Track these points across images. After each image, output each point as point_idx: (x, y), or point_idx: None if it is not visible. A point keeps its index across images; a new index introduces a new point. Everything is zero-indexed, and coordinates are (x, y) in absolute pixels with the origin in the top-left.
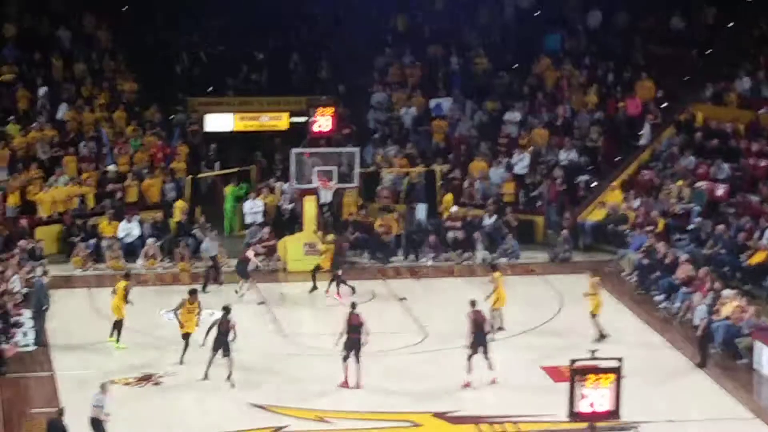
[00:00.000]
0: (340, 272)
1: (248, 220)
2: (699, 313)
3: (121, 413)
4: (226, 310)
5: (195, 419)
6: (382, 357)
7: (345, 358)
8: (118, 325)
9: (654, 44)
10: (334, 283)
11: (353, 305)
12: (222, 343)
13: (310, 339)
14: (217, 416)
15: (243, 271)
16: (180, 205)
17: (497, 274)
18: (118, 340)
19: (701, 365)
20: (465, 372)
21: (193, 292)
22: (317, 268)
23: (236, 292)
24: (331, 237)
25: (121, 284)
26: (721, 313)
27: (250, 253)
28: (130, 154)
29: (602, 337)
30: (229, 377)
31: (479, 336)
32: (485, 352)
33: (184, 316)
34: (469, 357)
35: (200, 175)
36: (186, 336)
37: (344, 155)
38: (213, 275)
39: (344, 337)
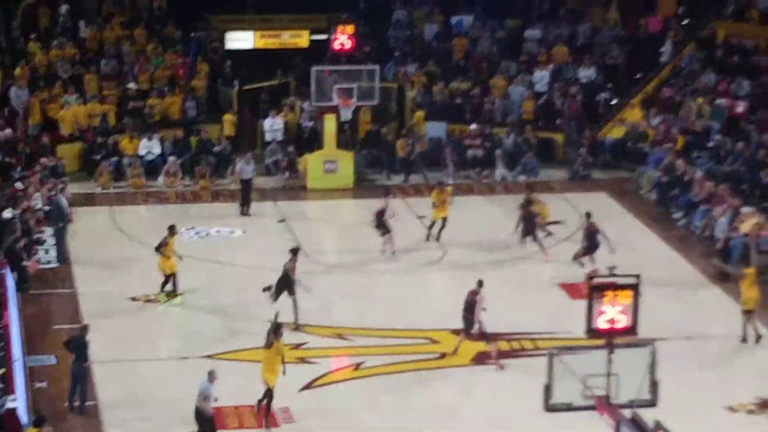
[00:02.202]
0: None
1: (268, 138)
2: (720, 227)
3: (141, 330)
4: (294, 251)
5: (215, 336)
6: (402, 274)
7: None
8: (173, 279)
9: None
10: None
11: (479, 282)
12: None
13: (330, 257)
14: (236, 333)
15: None
16: (228, 119)
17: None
18: (175, 294)
19: (723, 278)
20: None
21: (172, 228)
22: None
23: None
24: (449, 189)
25: (172, 240)
26: (739, 230)
27: None
28: (150, 72)
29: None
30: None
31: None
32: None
33: (168, 253)
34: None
35: (247, 87)
36: (173, 275)
37: (365, 73)
38: (244, 199)
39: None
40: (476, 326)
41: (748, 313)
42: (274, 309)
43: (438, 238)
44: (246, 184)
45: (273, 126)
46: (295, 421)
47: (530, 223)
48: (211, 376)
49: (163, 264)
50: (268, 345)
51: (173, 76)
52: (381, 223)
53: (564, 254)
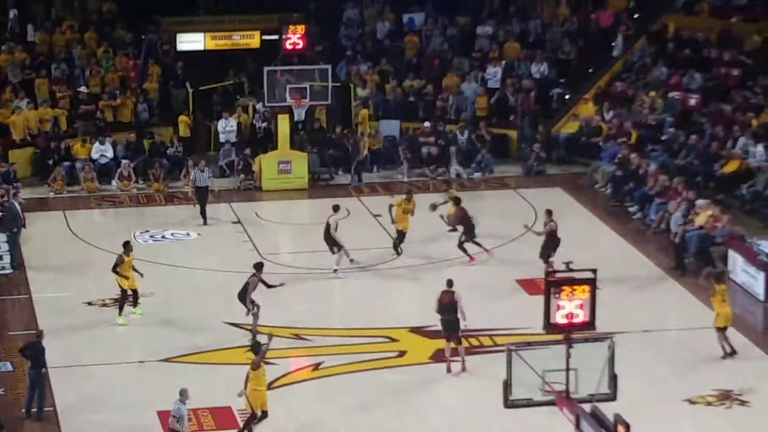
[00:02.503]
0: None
1: (222, 139)
2: (675, 220)
3: (97, 334)
4: (257, 266)
5: (172, 338)
6: (360, 274)
7: (447, 339)
8: (134, 296)
9: None
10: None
11: (449, 282)
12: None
13: (286, 257)
14: (193, 335)
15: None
16: (183, 120)
17: None
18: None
19: (679, 270)
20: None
21: (126, 245)
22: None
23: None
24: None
25: (129, 259)
26: (694, 222)
27: None
28: (101, 75)
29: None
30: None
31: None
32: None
33: (125, 272)
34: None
35: (202, 88)
36: (134, 292)
37: (317, 72)
38: (201, 208)
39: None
40: (464, 324)
41: (720, 330)
42: (239, 314)
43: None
44: (201, 192)
45: (226, 127)
46: None
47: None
48: (183, 395)
49: (121, 282)
50: (256, 366)
51: (124, 79)
52: (330, 239)
53: (520, 251)
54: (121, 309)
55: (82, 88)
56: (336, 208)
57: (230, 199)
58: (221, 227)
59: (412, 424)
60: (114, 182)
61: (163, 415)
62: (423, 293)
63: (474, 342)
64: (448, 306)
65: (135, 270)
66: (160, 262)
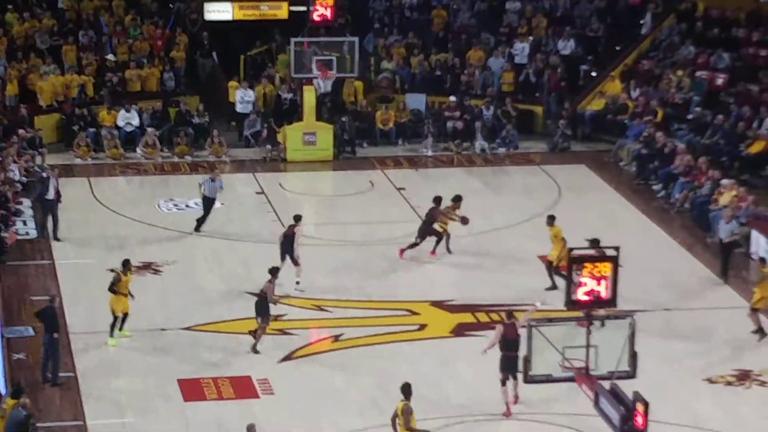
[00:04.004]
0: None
1: (239, 109)
2: (724, 229)
3: None
4: (296, 218)
5: (193, 307)
6: (382, 246)
7: (503, 382)
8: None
9: None
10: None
11: (509, 314)
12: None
13: (309, 229)
14: (214, 304)
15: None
16: (233, 85)
17: None
18: (121, 329)
19: (723, 278)
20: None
21: (126, 263)
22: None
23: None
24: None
25: (127, 279)
26: (719, 202)
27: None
28: (129, 43)
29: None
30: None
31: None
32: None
33: (123, 290)
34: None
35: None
36: (125, 316)
37: (344, 44)
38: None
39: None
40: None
41: (754, 311)
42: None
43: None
44: (207, 202)
45: (244, 97)
46: (275, 392)
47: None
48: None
49: (114, 303)
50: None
51: (152, 48)
52: (288, 250)
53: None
54: (112, 330)
55: (110, 56)
56: (297, 218)
57: (254, 170)
58: (245, 197)
59: (430, 398)
60: (139, 150)
61: (182, 383)
62: (445, 267)
63: (495, 317)
64: (513, 342)
65: (130, 293)
66: (184, 230)
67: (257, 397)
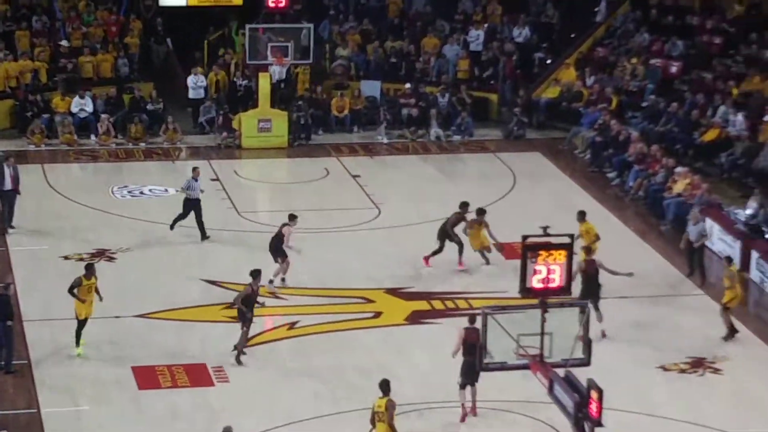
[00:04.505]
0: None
1: (192, 95)
2: (692, 231)
3: None
4: (291, 217)
5: (147, 294)
6: (336, 234)
7: (462, 386)
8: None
9: None
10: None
11: (472, 319)
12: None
13: (263, 216)
14: (169, 292)
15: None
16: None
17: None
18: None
19: (692, 277)
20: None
21: (89, 267)
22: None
23: None
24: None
25: (89, 283)
26: (673, 189)
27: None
28: (82, 29)
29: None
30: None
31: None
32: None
33: (83, 295)
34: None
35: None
36: (83, 322)
37: (299, 31)
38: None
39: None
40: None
41: (726, 310)
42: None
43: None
44: (194, 204)
45: (197, 83)
46: (230, 380)
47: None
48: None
49: (78, 308)
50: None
51: (106, 34)
52: (278, 249)
53: (497, 215)
54: (78, 337)
55: (64, 42)
56: (292, 218)
57: (209, 156)
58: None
59: None
60: (93, 137)
61: (137, 371)
62: (400, 254)
63: (450, 305)
64: (473, 347)
65: (97, 292)
66: (138, 217)
67: (212, 385)
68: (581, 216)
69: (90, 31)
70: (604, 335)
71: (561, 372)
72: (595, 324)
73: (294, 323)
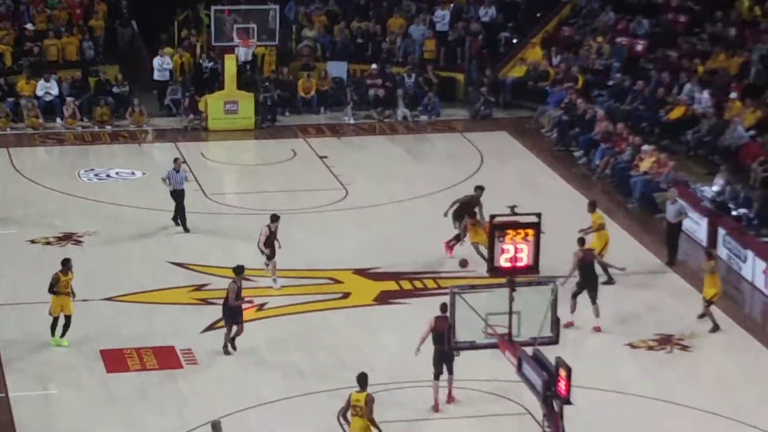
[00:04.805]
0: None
1: (157, 76)
2: (671, 210)
3: (40, 272)
4: (237, 270)
5: (115, 278)
6: (304, 215)
7: (436, 375)
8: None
9: None
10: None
11: (444, 307)
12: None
13: (231, 198)
14: (137, 275)
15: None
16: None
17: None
18: (62, 335)
19: (671, 265)
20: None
21: (65, 263)
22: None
23: None
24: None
25: (67, 278)
26: (639, 167)
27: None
28: (47, 12)
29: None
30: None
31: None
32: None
33: (63, 289)
34: (574, 295)
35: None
36: (67, 318)
37: (265, 12)
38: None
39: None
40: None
41: (708, 305)
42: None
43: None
44: (177, 195)
45: (163, 65)
46: (198, 363)
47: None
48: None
49: (53, 303)
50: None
51: (70, 17)
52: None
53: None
54: (53, 330)
55: (28, 25)
56: (274, 218)
57: (176, 139)
58: (166, 167)
59: (353, 365)
60: (59, 120)
61: (105, 354)
62: (368, 235)
63: (418, 285)
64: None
65: (71, 291)
66: (104, 201)
67: (181, 367)
68: (592, 207)
69: (54, 14)
70: (597, 330)
71: (529, 350)
72: (592, 320)
73: (263, 305)
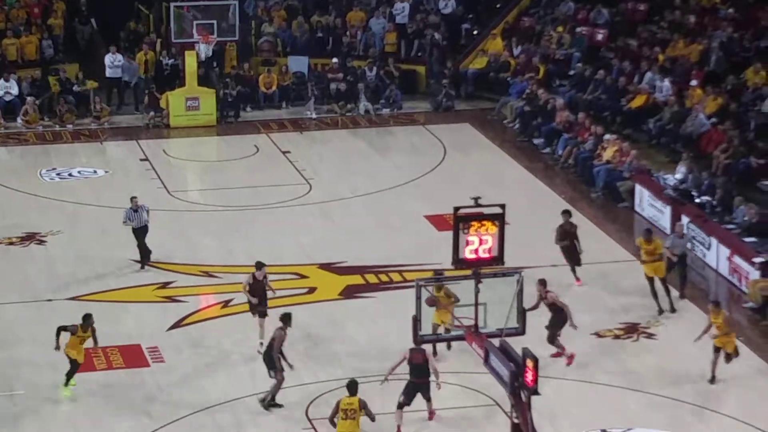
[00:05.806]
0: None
1: (109, 73)
2: (673, 242)
3: (4, 272)
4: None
5: (79, 277)
6: (268, 210)
7: (400, 405)
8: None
9: None
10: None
11: (417, 340)
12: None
13: (193, 195)
14: (101, 274)
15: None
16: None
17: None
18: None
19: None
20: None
21: (86, 318)
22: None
23: None
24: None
25: (84, 336)
26: (602, 157)
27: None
28: (5, 10)
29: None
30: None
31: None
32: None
33: (73, 346)
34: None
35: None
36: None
37: (224, 8)
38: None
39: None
40: (437, 384)
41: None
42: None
43: None
44: (138, 232)
45: (114, 62)
46: (165, 360)
47: None
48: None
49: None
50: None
51: (29, 15)
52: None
53: (428, 187)
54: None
55: None
56: (259, 266)
57: (137, 136)
58: (129, 164)
59: (320, 360)
60: (19, 119)
61: None
62: (332, 229)
63: (383, 278)
64: (420, 367)
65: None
66: (67, 200)
67: (147, 365)
68: (648, 234)
69: (13, 13)
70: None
71: (496, 342)
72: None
73: (228, 301)
